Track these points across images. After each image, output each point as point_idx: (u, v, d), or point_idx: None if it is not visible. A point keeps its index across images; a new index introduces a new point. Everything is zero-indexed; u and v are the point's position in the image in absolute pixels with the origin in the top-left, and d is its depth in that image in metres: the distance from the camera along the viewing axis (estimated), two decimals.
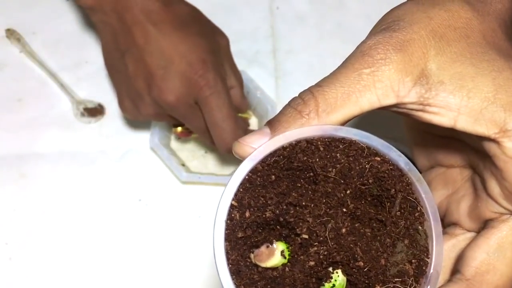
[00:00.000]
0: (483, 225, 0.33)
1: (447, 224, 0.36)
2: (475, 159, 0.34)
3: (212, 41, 0.58)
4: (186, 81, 0.54)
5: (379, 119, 0.53)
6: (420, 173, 0.39)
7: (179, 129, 0.62)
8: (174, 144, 0.65)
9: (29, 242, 0.60)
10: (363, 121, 0.45)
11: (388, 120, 0.48)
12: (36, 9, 0.69)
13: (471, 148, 0.33)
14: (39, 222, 0.61)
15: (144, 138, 0.64)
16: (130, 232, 0.61)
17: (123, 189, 0.63)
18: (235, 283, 0.28)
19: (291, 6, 0.72)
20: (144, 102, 0.56)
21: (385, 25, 0.32)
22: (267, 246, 0.29)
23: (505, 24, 0.33)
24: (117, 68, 0.58)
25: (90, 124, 0.65)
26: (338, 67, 0.31)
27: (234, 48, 0.65)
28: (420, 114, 0.31)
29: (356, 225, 0.30)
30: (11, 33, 0.68)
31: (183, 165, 0.63)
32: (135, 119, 0.60)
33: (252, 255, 0.29)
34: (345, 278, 0.29)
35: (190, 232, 0.61)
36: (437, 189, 0.37)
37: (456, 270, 0.32)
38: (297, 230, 0.29)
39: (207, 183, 0.62)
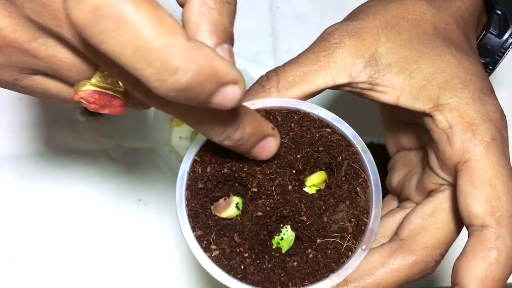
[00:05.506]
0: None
1: (403, 199, 0.40)
2: (425, 139, 0.37)
3: None
4: None
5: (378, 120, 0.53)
6: (389, 158, 0.41)
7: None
8: (175, 141, 0.66)
9: (29, 242, 0.61)
10: (364, 121, 0.46)
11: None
12: None
13: (423, 130, 0.37)
14: (38, 222, 0.61)
15: (144, 138, 0.65)
16: (130, 232, 0.61)
17: (123, 189, 0.63)
18: (191, 225, 0.33)
19: (291, 6, 0.73)
20: None
21: (348, 17, 0.37)
22: (225, 199, 0.33)
23: (463, 20, 0.37)
24: None
25: (90, 124, 0.65)
26: (302, 51, 0.35)
27: (234, 48, 0.65)
28: (370, 93, 0.35)
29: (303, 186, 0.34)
30: None
31: None
32: None
33: (212, 207, 0.34)
34: (293, 233, 0.33)
35: None
36: (398, 169, 0.41)
37: (395, 234, 0.36)
38: (248, 184, 0.33)
39: None
